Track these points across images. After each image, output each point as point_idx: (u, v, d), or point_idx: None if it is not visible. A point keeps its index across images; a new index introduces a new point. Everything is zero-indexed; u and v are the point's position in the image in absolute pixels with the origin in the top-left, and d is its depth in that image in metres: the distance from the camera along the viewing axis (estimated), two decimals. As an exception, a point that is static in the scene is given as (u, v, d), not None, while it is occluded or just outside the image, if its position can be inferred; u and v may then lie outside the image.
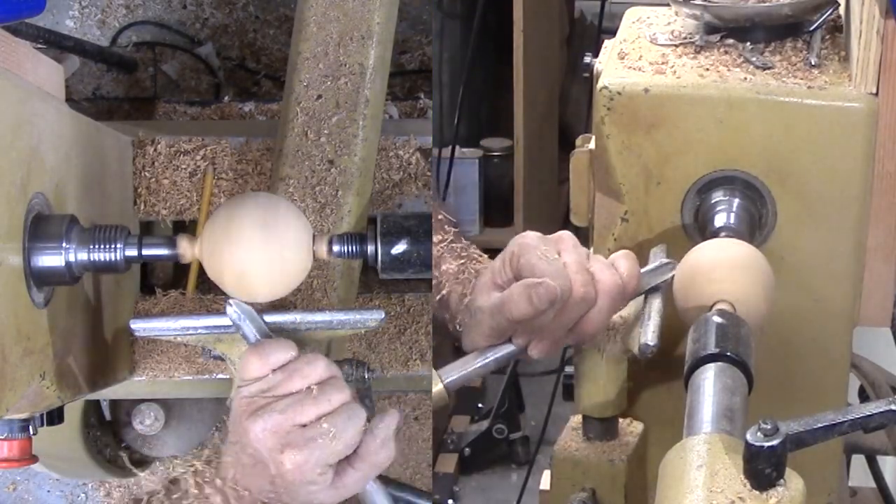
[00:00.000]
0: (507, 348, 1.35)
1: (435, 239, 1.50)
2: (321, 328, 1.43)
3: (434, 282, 1.45)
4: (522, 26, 3.60)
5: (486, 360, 1.36)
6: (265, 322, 1.38)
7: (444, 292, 1.42)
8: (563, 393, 1.46)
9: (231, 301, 1.38)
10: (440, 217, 1.53)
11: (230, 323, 1.41)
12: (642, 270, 1.33)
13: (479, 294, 1.36)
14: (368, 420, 1.32)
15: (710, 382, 1.12)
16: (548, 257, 1.30)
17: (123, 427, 2.55)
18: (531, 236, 1.34)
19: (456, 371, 1.36)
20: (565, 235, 1.34)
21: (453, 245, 1.49)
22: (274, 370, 1.32)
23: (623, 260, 1.32)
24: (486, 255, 1.49)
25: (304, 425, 1.28)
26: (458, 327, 1.40)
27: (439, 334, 1.43)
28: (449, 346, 1.46)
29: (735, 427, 1.06)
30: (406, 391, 2.43)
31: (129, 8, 3.01)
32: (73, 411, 2.35)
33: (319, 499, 1.31)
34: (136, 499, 1.34)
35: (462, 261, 1.44)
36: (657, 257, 1.37)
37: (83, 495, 2.99)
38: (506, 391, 3.55)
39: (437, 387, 1.34)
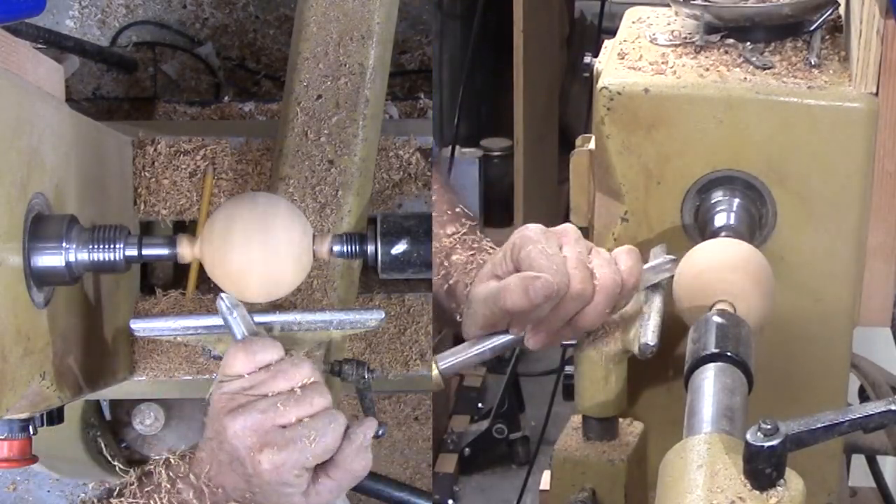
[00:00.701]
0: (504, 337, 1.35)
1: (449, 230, 1.50)
2: (321, 328, 1.43)
3: (443, 272, 1.45)
4: (522, 26, 3.59)
5: (483, 348, 1.36)
6: (254, 320, 1.38)
7: (451, 282, 1.42)
8: (563, 393, 1.46)
9: (223, 295, 1.37)
10: (458, 210, 1.54)
11: (228, 321, 1.41)
12: (644, 266, 1.33)
13: (478, 283, 1.36)
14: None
15: (710, 382, 1.12)
16: (548, 252, 1.29)
17: (123, 427, 2.55)
18: (533, 229, 1.33)
19: (452, 357, 1.36)
20: (569, 228, 1.34)
21: (466, 237, 1.49)
22: (259, 368, 1.31)
23: (625, 256, 1.32)
24: (498, 249, 1.48)
25: (284, 426, 1.27)
26: (459, 317, 1.40)
27: (446, 326, 1.43)
28: (448, 344, 1.46)
29: (735, 427, 1.06)
30: (406, 391, 2.43)
31: (129, 8, 3.01)
32: (73, 411, 2.35)
33: (293, 503, 1.30)
34: (110, 489, 1.34)
35: (472, 252, 1.45)
36: (657, 257, 1.36)
37: (83, 495, 2.99)
38: (506, 391, 3.55)
39: (433, 372, 1.35)
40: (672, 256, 1.34)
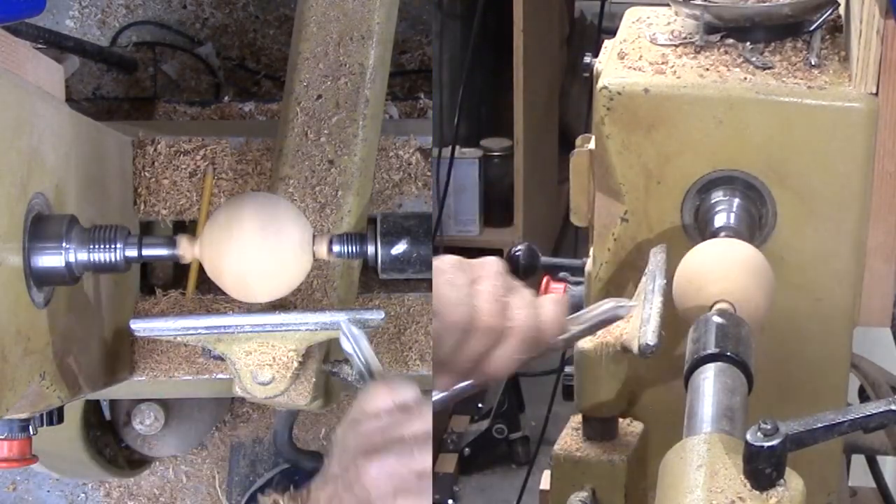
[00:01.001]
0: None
1: None
2: (321, 328, 1.43)
3: None
4: (522, 26, 3.60)
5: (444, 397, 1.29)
6: (254, 322, 1.37)
7: None
8: (563, 393, 1.46)
9: (342, 324, 1.36)
10: None
11: (230, 323, 1.41)
12: (571, 316, 1.26)
13: None
14: None
15: (710, 382, 1.12)
16: (455, 282, 1.20)
17: (123, 427, 2.56)
18: (446, 260, 1.23)
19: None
20: (489, 262, 1.24)
21: None
22: (397, 407, 1.27)
23: (549, 304, 1.24)
24: None
25: (419, 473, 1.22)
26: None
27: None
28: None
29: (735, 427, 1.06)
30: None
31: (129, 8, 3.01)
32: (73, 411, 2.36)
33: None
34: None
35: None
36: (657, 257, 1.36)
37: (83, 495, 3.00)
38: (506, 391, 3.55)
39: None
40: (622, 303, 1.29)
